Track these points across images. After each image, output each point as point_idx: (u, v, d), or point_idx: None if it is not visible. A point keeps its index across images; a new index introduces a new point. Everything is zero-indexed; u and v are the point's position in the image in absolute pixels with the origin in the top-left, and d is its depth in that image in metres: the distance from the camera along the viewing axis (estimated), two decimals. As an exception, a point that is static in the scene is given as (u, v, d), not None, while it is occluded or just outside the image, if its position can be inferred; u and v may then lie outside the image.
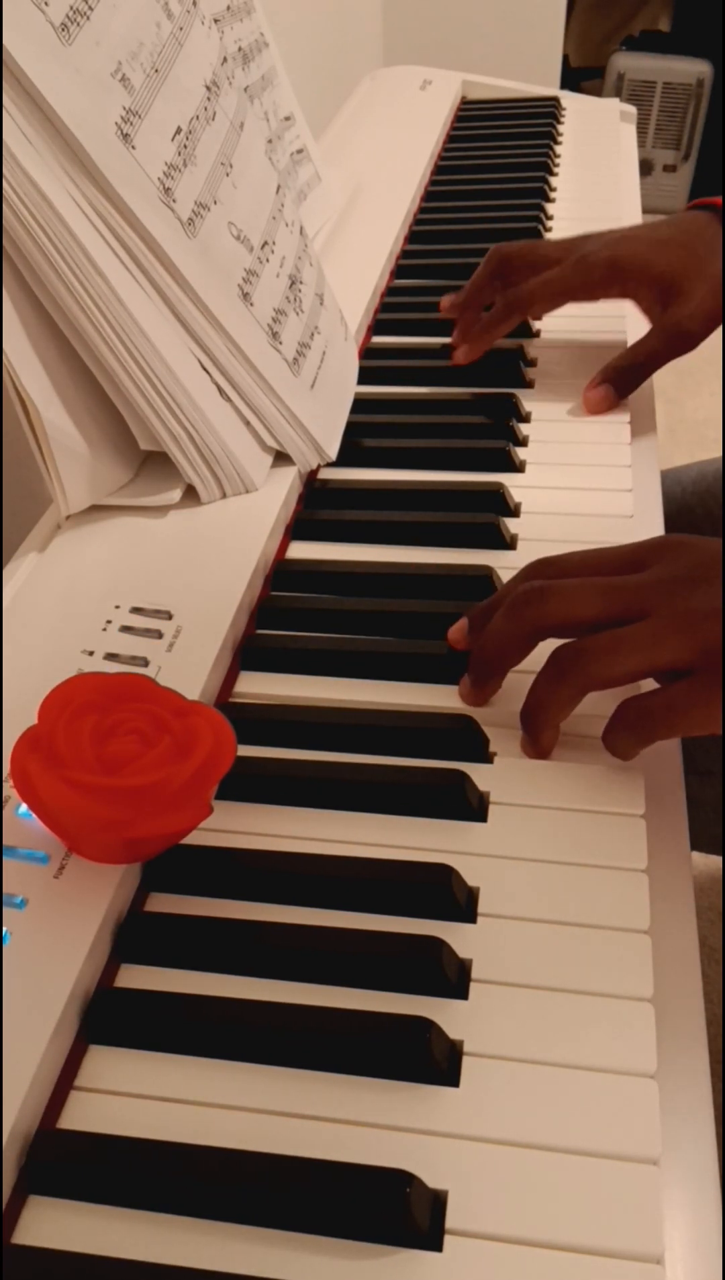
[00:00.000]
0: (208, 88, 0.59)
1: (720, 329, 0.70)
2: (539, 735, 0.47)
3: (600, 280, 0.69)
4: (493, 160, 1.10)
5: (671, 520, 0.84)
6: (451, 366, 0.76)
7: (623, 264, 0.68)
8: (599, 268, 0.68)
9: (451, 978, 0.39)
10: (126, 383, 0.55)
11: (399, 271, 0.90)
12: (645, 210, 1.02)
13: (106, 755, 0.40)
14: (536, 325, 0.81)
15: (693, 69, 2.85)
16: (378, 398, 0.73)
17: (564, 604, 0.46)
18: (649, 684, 0.47)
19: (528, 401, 0.72)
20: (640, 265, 0.68)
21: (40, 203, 0.50)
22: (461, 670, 0.51)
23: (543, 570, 0.49)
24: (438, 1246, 0.32)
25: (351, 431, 0.67)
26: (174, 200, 0.55)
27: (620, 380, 0.69)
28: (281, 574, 0.59)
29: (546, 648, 0.47)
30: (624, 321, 0.79)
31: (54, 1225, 0.34)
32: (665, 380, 0.77)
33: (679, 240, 0.69)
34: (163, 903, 0.43)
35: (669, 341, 0.68)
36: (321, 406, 0.65)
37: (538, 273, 0.71)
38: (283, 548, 0.61)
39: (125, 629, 0.51)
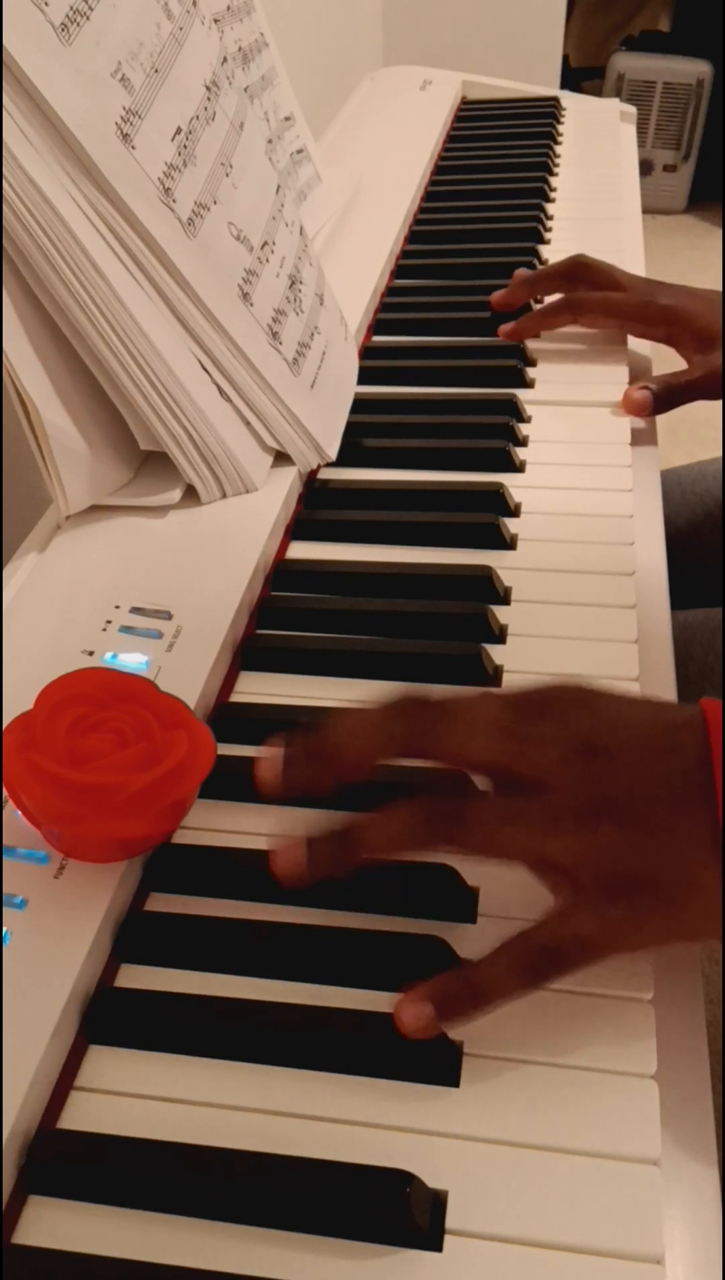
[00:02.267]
0: (208, 88, 0.59)
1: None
2: (357, 856, 0.39)
3: (653, 319, 0.76)
4: (493, 160, 1.10)
5: (671, 520, 0.84)
6: (451, 367, 0.76)
7: (678, 313, 0.75)
8: (656, 309, 0.76)
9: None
10: (126, 383, 0.55)
11: (399, 271, 0.90)
12: (645, 210, 1.02)
13: (79, 748, 0.40)
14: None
15: (693, 69, 2.85)
16: (378, 398, 0.73)
17: (459, 732, 0.38)
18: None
19: (528, 401, 0.72)
20: (692, 316, 0.75)
21: (40, 203, 0.50)
22: (462, 670, 0.51)
23: (422, 698, 0.40)
24: (438, 1246, 0.33)
25: (351, 431, 0.67)
26: (174, 200, 0.55)
27: (663, 395, 0.71)
28: (281, 574, 0.59)
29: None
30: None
31: (54, 1225, 0.34)
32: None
33: None
34: (163, 902, 0.42)
35: (705, 377, 0.72)
36: (321, 406, 0.65)
37: (602, 289, 0.78)
38: (283, 548, 0.61)
39: (125, 629, 0.51)
